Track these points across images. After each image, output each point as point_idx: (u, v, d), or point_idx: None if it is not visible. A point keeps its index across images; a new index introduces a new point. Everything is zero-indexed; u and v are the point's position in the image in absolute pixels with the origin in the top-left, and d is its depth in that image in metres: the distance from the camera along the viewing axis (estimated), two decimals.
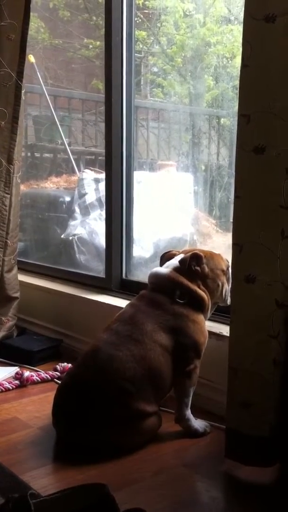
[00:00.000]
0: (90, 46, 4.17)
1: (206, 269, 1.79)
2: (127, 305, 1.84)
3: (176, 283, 1.76)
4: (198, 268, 1.78)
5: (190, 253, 1.78)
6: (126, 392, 1.61)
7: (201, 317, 1.77)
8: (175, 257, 1.84)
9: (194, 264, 1.77)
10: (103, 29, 2.43)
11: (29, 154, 3.95)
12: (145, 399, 1.64)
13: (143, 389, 1.63)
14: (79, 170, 3.66)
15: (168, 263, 1.83)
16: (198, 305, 1.77)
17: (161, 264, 1.87)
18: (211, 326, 1.90)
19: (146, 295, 1.80)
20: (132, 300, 1.85)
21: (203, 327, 1.76)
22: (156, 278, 1.81)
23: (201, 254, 1.79)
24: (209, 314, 1.83)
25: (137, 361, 1.64)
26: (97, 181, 3.28)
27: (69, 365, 2.20)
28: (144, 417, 1.65)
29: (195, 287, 1.76)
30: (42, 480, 1.48)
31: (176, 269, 1.78)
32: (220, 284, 1.81)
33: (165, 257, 1.89)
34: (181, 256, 1.83)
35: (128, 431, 1.63)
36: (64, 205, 3.38)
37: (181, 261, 1.78)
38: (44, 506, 1.17)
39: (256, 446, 1.49)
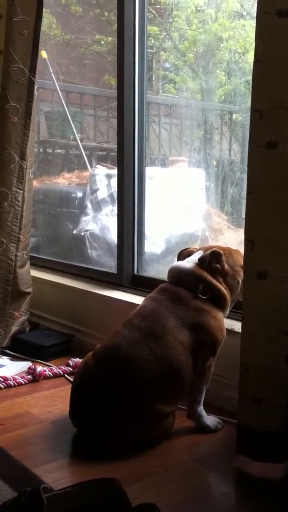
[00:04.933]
0: (102, 42, 4.16)
1: (226, 266, 1.78)
2: (147, 299, 1.81)
3: (199, 278, 1.74)
4: (218, 265, 1.77)
5: (209, 251, 1.77)
6: (144, 394, 1.61)
7: (221, 314, 1.76)
8: (194, 254, 1.83)
9: (214, 262, 1.76)
10: (115, 25, 2.43)
11: (41, 150, 3.96)
12: (164, 400, 1.63)
13: (162, 389, 1.63)
14: (91, 166, 3.66)
15: (188, 259, 1.82)
16: (219, 301, 1.76)
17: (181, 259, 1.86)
18: None
19: (167, 288, 1.78)
20: (151, 293, 1.82)
21: (222, 325, 1.75)
22: (178, 273, 1.79)
23: (221, 251, 1.78)
24: (228, 312, 1.83)
25: (158, 360, 1.63)
26: (109, 176, 3.28)
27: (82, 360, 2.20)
28: (161, 417, 1.65)
29: (218, 284, 1.76)
30: (55, 474, 1.49)
31: (199, 265, 1.78)
32: (240, 280, 1.79)
33: (183, 254, 1.88)
34: (200, 253, 1.82)
35: (143, 431, 1.63)
36: (76, 201, 3.38)
37: (200, 259, 1.77)
38: (57, 500, 1.17)
39: (267, 442, 1.49)
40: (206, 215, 3.00)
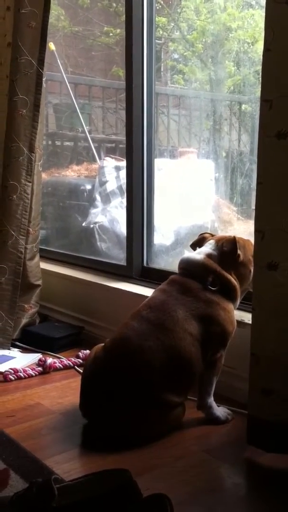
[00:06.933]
0: (110, 33, 4.15)
1: (241, 255, 1.77)
2: (156, 290, 1.81)
3: (209, 270, 1.74)
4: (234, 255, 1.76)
5: (225, 240, 1.78)
6: (154, 384, 1.61)
7: (231, 306, 1.76)
8: (205, 244, 1.82)
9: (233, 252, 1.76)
10: (123, 16, 2.41)
11: (50, 142, 3.96)
12: (174, 390, 1.64)
13: (172, 380, 1.63)
14: (100, 158, 3.66)
15: (199, 250, 1.82)
16: (229, 293, 1.75)
17: (194, 244, 1.86)
18: None
19: (177, 280, 1.78)
20: (161, 285, 1.82)
21: (232, 316, 1.75)
22: (188, 264, 1.79)
23: (237, 239, 1.78)
24: (238, 303, 1.82)
25: (167, 351, 1.63)
26: (117, 168, 3.28)
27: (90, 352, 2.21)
28: (171, 407, 1.65)
29: (228, 275, 1.76)
30: (65, 465, 1.49)
31: (209, 256, 1.77)
32: (251, 269, 1.77)
33: (199, 239, 1.88)
34: (211, 242, 1.81)
35: (154, 422, 1.63)
36: (85, 193, 3.39)
37: (218, 249, 1.77)
38: (67, 491, 1.18)
39: (278, 432, 1.49)
40: (216, 206, 3.00)
